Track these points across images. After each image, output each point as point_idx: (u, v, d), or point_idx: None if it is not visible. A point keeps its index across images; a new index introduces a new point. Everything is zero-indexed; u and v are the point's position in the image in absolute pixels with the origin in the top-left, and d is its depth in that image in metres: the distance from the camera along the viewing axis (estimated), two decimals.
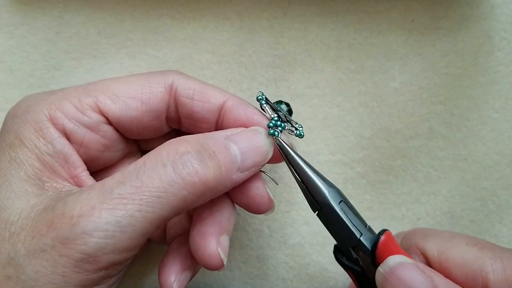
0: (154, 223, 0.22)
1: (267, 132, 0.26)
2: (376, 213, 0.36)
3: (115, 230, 0.20)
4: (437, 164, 0.35)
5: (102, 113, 0.25)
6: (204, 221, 0.26)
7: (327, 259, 0.36)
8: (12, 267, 0.21)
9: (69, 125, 0.25)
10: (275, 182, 0.29)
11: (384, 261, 0.24)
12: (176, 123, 0.28)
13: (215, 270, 0.25)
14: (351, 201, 0.35)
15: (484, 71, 0.34)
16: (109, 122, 0.26)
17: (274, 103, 0.28)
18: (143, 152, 0.30)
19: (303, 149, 0.35)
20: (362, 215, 0.36)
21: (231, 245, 0.35)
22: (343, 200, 0.26)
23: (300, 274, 0.36)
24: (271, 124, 0.26)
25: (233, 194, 0.27)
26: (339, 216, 0.25)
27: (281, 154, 0.26)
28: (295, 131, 0.27)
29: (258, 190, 0.26)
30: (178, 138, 0.24)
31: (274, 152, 0.26)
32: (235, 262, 0.36)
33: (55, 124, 0.24)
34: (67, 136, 0.25)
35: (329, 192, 0.25)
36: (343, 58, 0.34)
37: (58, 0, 0.34)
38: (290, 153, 0.26)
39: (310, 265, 0.36)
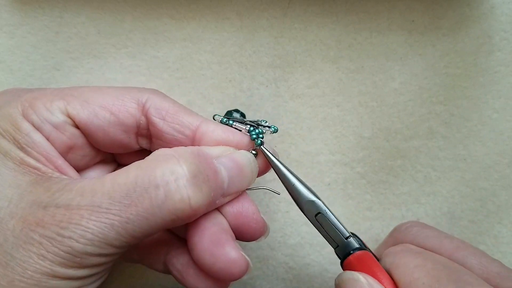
0: (138, 238, 0.22)
1: (253, 147, 0.26)
2: (376, 213, 0.36)
3: (100, 240, 0.21)
4: (437, 164, 0.35)
5: (69, 116, 0.25)
6: (210, 230, 0.25)
7: (327, 259, 0.36)
8: (0, 253, 0.22)
9: (37, 121, 0.25)
10: (277, 193, 0.29)
11: (340, 273, 0.26)
12: (146, 143, 0.28)
13: (241, 276, 0.24)
14: (351, 202, 0.35)
15: (484, 71, 0.34)
16: (76, 126, 0.26)
17: (226, 116, 0.29)
18: (118, 164, 0.30)
19: (303, 149, 0.35)
20: (362, 215, 0.36)
21: None
22: (321, 212, 0.27)
23: (300, 275, 0.36)
24: (254, 136, 0.26)
25: (229, 220, 0.26)
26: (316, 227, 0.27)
27: (270, 164, 0.27)
28: (269, 130, 0.28)
29: (254, 215, 0.26)
30: (172, 150, 0.24)
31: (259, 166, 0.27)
32: None
33: (27, 120, 0.25)
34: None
35: (305, 205, 0.27)
36: (343, 58, 0.34)
37: (58, 0, 0.34)
38: (275, 163, 0.27)
39: (310, 266, 0.36)
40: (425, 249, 0.27)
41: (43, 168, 0.24)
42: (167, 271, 0.28)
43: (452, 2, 0.34)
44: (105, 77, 0.34)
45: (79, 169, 0.27)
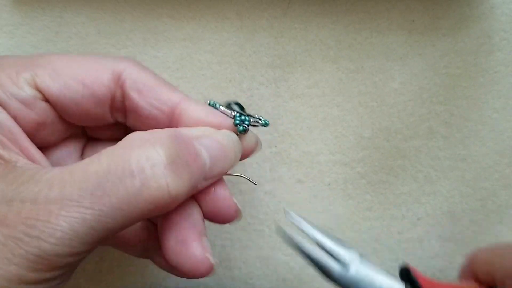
0: (113, 231, 0.20)
1: (235, 132, 0.25)
2: (376, 213, 0.36)
3: (71, 238, 0.19)
4: (437, 164, 0.35)
5: (38, 90, 0.23)
6: (178, 226, 0.23)
7: None
8: None
9: (3, 97, 0.22)
10: (253, 183, 0.27)
11: None
12: (121, 116, 0.26)
13: (204, 276, 0.23)
14: (351, 202, 0.35)
15: (484, 71, 0.34)
16: (46, 100, 0.24)
17: (226, 106, 0.27)
18: (88, 137, 0.28)
19: (303, 149, 0.35)
20: (362, 215, 0.36)
21: (231, 246, 0.35)
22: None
23: (300, 275, 0.36)
24: (237, 121, 0.25)
25: (199, 203, 0.25)
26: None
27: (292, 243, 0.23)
28: (260, 122, 0.26)
29: (225, 200, 0.25)
30: (147, 134, 0.22)
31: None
32: (235, 262, 0.36)
33: None
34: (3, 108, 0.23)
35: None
36: (343, 58, 0.34)
37: (58, 0, 0.34)
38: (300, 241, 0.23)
39: None
40: None
41: (7, 156, 0.21)
42: (144, 256, 0.26)
43: (452, 2, 0.34)
44: None
45: (48, 146, 0.26)
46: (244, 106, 0.28)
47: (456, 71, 0.34)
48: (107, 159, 0.20)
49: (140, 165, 0.20)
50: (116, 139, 0.27)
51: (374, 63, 0.34)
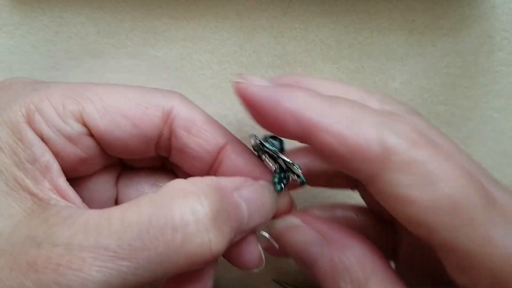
0: (146, 286, 0.19)
1: (273, 187, 0.24)
2: None
3: None
4: None
5: (85, 124, 0.22)
6: (185, 280, 0.23)
7: None
8: None
9: (48, 133, 0.21)
10: (275, 244, 0.26)
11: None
12: (165, 152, 0.25)
13: None
14: (352, 201, 0.35)
15: (485, 71, 0.34)
16: (91, 134, 0.23)
17: (262, 143, 0.26)
18: (124, 165, 0.28)
19: None
20: None
21: None
22: None
23: (300, 275, 0.36)
24: (276, 180, 0.24)
25: None
26: None
27: None
28: (298, 179, 0.25)
29: (250, 246, 0.24)
30: (190, 184, 0.21)
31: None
32: None
33: (33, 128, 0.21)
34: (45, 143, 0.22)
35: None
36: (343, 58, 0.34)
37: (58, 0, 0.34)
38: None
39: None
40: None
41: (40, 194, 0.21)
42: None
43: (452, 2, 0.34)
44: (105, 77, 0.34)
45: (83, 176, 0.25)
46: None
47: (457, 71, 0.34)
48: (148, 209, 0.19)
49: (184, 219, 0.19)
50: (153, 168, 0.27)
51: (374, 63, 0.34)
